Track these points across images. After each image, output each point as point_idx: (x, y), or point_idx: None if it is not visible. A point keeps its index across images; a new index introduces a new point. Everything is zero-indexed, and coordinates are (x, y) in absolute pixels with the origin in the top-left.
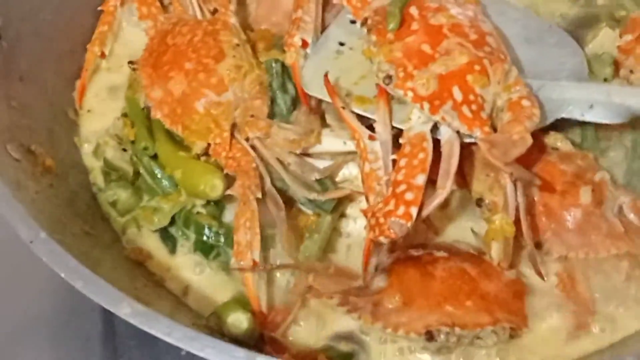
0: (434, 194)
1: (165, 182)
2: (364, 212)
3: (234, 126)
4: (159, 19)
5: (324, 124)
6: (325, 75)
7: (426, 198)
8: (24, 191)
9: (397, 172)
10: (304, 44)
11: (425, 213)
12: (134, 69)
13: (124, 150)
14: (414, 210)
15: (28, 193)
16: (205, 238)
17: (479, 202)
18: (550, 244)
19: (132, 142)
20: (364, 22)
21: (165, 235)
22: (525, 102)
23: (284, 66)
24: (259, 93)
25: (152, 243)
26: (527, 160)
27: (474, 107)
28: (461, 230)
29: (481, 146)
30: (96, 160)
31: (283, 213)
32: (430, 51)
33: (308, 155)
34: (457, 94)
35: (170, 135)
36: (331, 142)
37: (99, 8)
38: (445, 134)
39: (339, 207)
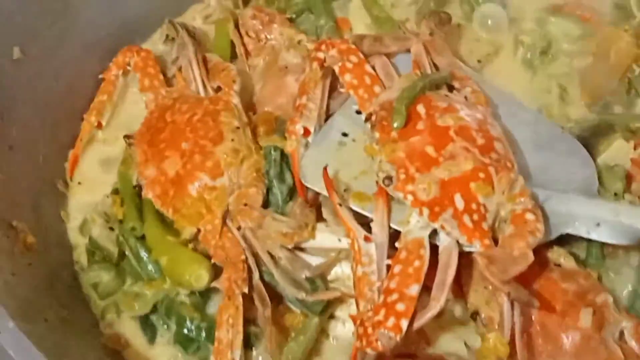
0: (428, 305)
1: (150, 267)
2: (353, 319)
3: (226, 213)
4: (160, 92)
5: (319, 218)
6: (325, 169)
7: (419, 308)
8: None
9: (391, 279)
10: (306, 132)
11: (416, 326)
12: (129, 144)
13: (111, 229)
14: (404, 323)
15: (2, 274)
16: (186, 331)
17: (474, 315)
18: None
19: (120, 221)
20: (368, 117)
21: (146, 323)
22: (529, 216)
23: (283, 154)
24: (255, 180)
25: (131, 330)
26: (527, 275)
27: (475, 216)
28: (454, 342)
29: (479, 261)
30: (82, 237)
31: (269, 311)
32: (434, 154)
33: (300, 249)
34: (459, 202)
35: (160, 217)
36: (325, 238)
37: (100, 76)
38: (444, 241)
39: (328, 309)
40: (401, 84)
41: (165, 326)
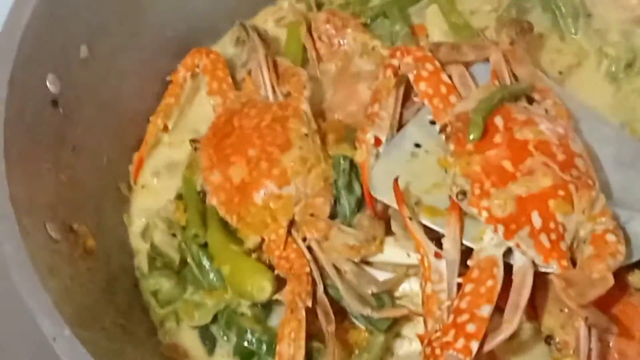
0: (500, 327)
1: (212, 276)
2: (420, 338)
3: (291, 223)
4: (228, 96)
5: (388, 231)
6: (395, 181)
7: (490, 329)
8: (56, 278)
9: (461, 298)
10: (377, 142)
11: (487, 348)
12: (195, 148)
13: (173, 235)
14: (474, 345)
15: (61, 279)
16: (246, 343)
17: (548, 339)
18: None
19: (183, 228)
20: (443, 128)
21: (205, 333)
22: (610, 237)
23: (352, 164)
24: (323, 190)
25: (189, 340)
26: (605, 300)
27: (553, 236)
28: None
29: (556, 283)
30: (143, 242)
31: (333, 327)
32: (511, 169)
33: (367, 263)
34: (536, 220)
35: (224, 225)
36: (394, 252)
37: (168, 78)
38: (518, 260)
39: (394, 326)
40: (479, 94)
41: (225, 337)
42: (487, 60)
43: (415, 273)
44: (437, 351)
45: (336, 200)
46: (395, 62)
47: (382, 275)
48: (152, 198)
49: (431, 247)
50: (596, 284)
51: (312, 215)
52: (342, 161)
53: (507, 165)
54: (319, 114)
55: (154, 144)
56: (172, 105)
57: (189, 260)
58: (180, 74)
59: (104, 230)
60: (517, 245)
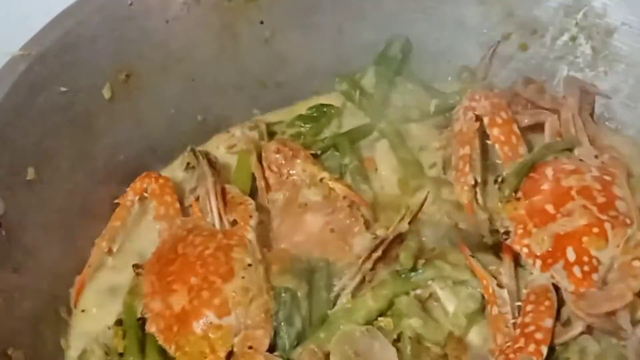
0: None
1: None
2: (492, 351)
3: (230, 354)
4: (175, 222)
5: None
6: (460, 232)
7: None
8: None
9: (525, 315)
10: (476, 183)
11: (558, 342)
12: (137, 274)
13: None
14: (544, 349)
15: None
16: None
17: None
18: None
19: (121, 355)
20: (496, 180)
21: None
22: (635, 263)
23: (293, 296)
24: (263, 322)
25: None
26: None
27: (586, 268)
28: None
29: (566, 296)
30: None
31: None
32: (552, 211)
33: None
34: (571, 255)
35: (163, 353)
36: None
37: (116, 201)
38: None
39: None
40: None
41: None
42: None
43: None
44: (512, 355)
45: (276, 333)
46: (474, 104)
47: None
48: (92, 323)
49: (494, 280)
50: (613, 298)
51: (250, 347)
52: (283, 293)
53: (550, 208)
54: (265, 243)
55: (97, 267)
56: (118, 228)
57: None
58: (129, 197)
59: (41, 355)
60: (552, 277)
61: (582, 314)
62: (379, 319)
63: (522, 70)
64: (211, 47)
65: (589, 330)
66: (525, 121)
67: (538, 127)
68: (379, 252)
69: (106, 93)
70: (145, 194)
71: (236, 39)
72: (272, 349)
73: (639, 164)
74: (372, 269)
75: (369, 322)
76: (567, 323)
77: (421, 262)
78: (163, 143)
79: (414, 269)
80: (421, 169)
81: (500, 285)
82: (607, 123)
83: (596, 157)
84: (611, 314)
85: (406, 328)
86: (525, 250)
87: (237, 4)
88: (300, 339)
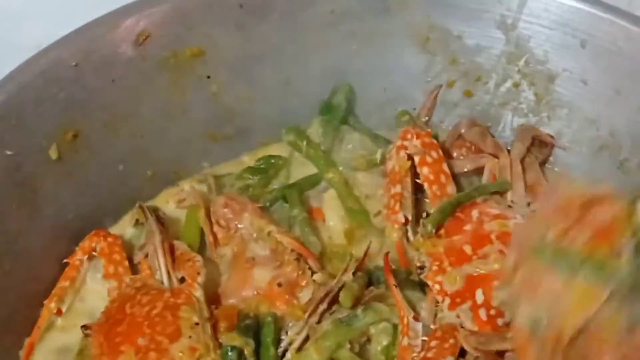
0: None
1: None
2: None
3: None
4: (124, 280)
5: None
6: (386, 255)
7: None
8: None
9: (428, 350)
10: (406, 221)
11: None
12: (86, 335)
13: None
14: None
15: None
16: None
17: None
18: None
19: None
20: (424, 216)
21: None
22: None
23: (240, 354)
24: None
25: None
26: None
27: (492, 311)
28: None
29: (460, 334)
30: None
31: None
32: (469, 252)
33: None
34: (479, 296)
35: None
36: None
37: (65, 260)
38: None
39: None
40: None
41: None
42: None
43: None
44: None
45: None
46: (407, 143)
47: None
48: None
49: (411, 312)
50: (506, 339)
51: None
52: (230, 352)
53: (467, 249)
54: (214, 299)
55: (46, 328)
56: (67, 288)
57: None
58: (77, 256)
59: None
60: (458, 316)
61: (470, 349)
62: None
63: (467, 117)
64: (158, 103)
65: None
66: (467, 167)
67: (480, 171)
68: (324, 305)
69: (53, 154)
70: (94, 253)
71: (183, 94)
72: None
73: None
74: (319, 321)
75: None
76: None
77: (360, 308)
78: (112, 200)
79: (355, 315)
80: (367, 217)
81: (416, 318)
82: (553, 167)
83: (529, 204)
84: (501, 354)
85: None
86: (437, 287)
87: (183, 60)
88: None
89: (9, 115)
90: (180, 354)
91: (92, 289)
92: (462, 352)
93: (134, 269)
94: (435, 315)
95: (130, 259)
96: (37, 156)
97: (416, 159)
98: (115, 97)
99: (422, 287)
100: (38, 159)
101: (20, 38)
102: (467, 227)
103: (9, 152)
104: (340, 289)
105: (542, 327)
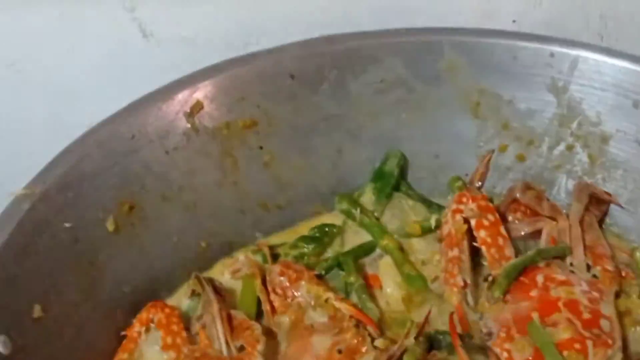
0: None
1: None
2: None
3: None
4: (182, 351)
5: None
6: (451, 315)
7: None
8: None
9: None
10: (465, 285)
11: None
12: None
13: None
14: None
15: None
16: None
17: None
18: None
19: None
20: (486, 278)
21: None
22: None
23: None
24: None
25: None
26: None
27: None
28: None
29: None
30: None
31: None
32: (537, 320)
33: None
34: None
35: None
36: None
37: (123, 333)
38: None
39: None
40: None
41: None
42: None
43: None
44: None
45: None
46: (462, 207)
47: None
48: None
49: None
50: None
51: None
52: None
53: (535, 316)
54: None
55: None
56: None
57: None
58: (135, 328)
59: None
60: None
61: None
62: None
63: (521, 181)
64: (211, 174)
65: None
66: (525, 230)
67: (537, 235)
68: None
69: (110, 226)
70: (152, 324)
71: (236, 165)
72: None
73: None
74: None
75: None
76: None
77: None
78: (167, 272)
79: None
80: (425, 283)
81: None
82: (610, 228)
83: (589, 268)
84: None
85: None
86: (505, 354)
87: (235, 131)
88: None
89: (67, 188)
90: None
91: None
92: None
93: (191, 340)
94: None
95: (187, 331)
96: (94, 229)
97: (472, 222)
98: (170, 168)
99: (484, 351)
100: (95, 232)
101: (73, 116)
102: (533, 294)
103: (67, 225)
104: (402, 354)
105: None
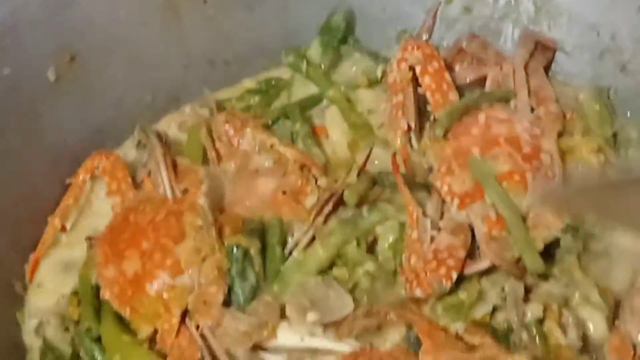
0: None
1: None
2: (402, 271)
3: (185, 312)
4: (127, 196)
5: (283, 316)
6: (394, 155)
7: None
8: None
9: (440, 243)
10: (409, 129)
11: (467, 272)
12: (90, 245)
13: (67, 329)
14: (454, 274)
15: None
16: None
17: None
18: None
19: (77, 322)
20: (433, 119)
21: None
22: (550, 215)
23: (245, 252)
24: (217, 279)
25: None
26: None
27: None
28: None
29: (479, 236)
30: (37, 338)
31: None
32: (478, 154)
33: (263, 348)
34: (488, 197)
35: (119, 318)
36: (287, 336)
37: (68, 181)
38: None
39: None
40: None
41: None
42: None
43: (311, 357)
44: (422, 275)
45: (230, 289)
46: (407, 55)
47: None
48: (48, 297)
49: (420, 208)
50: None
51: (205, 303)
52: (235, 250)
53: (475, 151)
54: (220, 209)
55: (51, 244)
56: (71, 206)
57: (81, 354)
58: (80, 176)
59: None
60: (467, 216)
61: (491, 255)
62: (333, 269)
63: (468, 32)
64: (155, 27)
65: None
66: (470, 77)
67: (482, 82)
68: (330, 206)
69: (51, 75)
70: (97, 172)
71: (179, 19)
72: (227, 304)
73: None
74: (324, 222)
75: (322, 272)
76: (476, 258)
77: (366, 207)
78: (113, 124)
79: (360, 214)
80: (371, 130)
81: (424, 214)
82: (557, 76)
83: (532, 110)
84: (519, 260)
85: (361, 277)
86: (445, 187)
87: None
88: (255, 294)
89: (4, 35)
90: (185, 254)
91: (96, 207)
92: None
93: (137, 187)
94: (442, 214)
95: (133, 180)
96: (35, 78)
97: (417, 69)
98: (112, 20)
99: (428, 188)
100: (36, 81)
101: None
102: (475, 131)
103: (6, 71)
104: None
105: None
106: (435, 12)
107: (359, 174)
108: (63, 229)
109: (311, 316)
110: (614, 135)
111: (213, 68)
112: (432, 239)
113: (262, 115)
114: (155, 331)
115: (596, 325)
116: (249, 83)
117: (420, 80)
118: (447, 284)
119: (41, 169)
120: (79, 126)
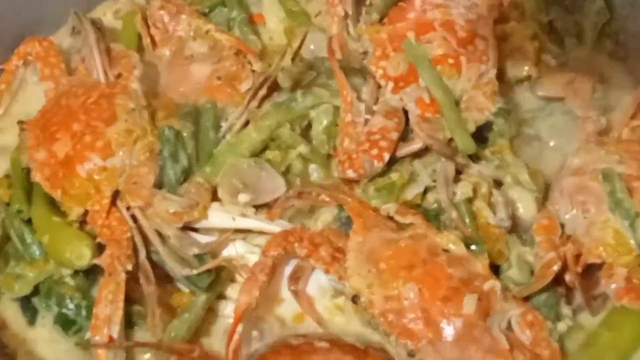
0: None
1: (34, 248)
2: (336, 153)
3: (116, 193)
4: (61, 82)
5: (214, 197)
6: (330, 39)
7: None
8: None
9: (373, 126)
10: (346, 15)
11: (399, 154)
12: (22, 129)
13: None
14: (386, 156)
15: None
16: (66, 311)
17: (355, 298)
18: (424, 353)
19: (7, 205)
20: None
21: (26, 305)
22: (482, 97)
23: (177, 135)
24: (148, 160)
25: (10, 312)
26: (410, 257)
27: None
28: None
29: (412, 118)
30: None
31: (153, 288)
32: (413, 39)
33: (194, 229)
34: (422, 80)
35: (50, 200)
36: (219, 217)
37: (0, 67)
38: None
39: (216, 287)
40: None
41: (46, 307)
42: None
43: (243, 237)
44: (354, 155)
45: (162, 170)
46: None
47: (207, 240)
48: None
49: (354, 92)
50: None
51: (135, 184)
52: (167, 131)
53: (410, 35)
54: (154, 95)
55: None
56: (3, 92)
57: (11, 235)
58: (13, 61)
59: None
60: (401, 99)
61: (423, 135)
62: (267, 152)
63: None
64: None
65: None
66: None
67: None
68: (264, 90)
69: None
70: (30, 58)
71: None
72: (160, 186)
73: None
74: (259, 106)
75: (255, 155)
76: (409, 141)
77: (300, 91)
78: (46, 12)
79: (294, 98)
80: (308, 17)
81: (359, 98)
82: None
83: None
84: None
85: (295, 160)
86: (380, 71)
87: None
88: (187, 176)
89: None
90: (116, 136)
91: (30, 93)
92: None
93: (71, 73)
94: (377, 98)
95: (68, 66)
96: None
97: None
98: None
99: (363, 74)
100: None
101: None
102: (410, 16)
103: None
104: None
105: None
106: None
107: (293, 58)
108: None
109: (243, 197)
110: (550, 23)
111: None
112: (366, 122)
113: (199, 3)
114: (86, 212)
115: (525, 206)
116: None
117: None
118: (379, 165)
119: None
120: (13, 14)
